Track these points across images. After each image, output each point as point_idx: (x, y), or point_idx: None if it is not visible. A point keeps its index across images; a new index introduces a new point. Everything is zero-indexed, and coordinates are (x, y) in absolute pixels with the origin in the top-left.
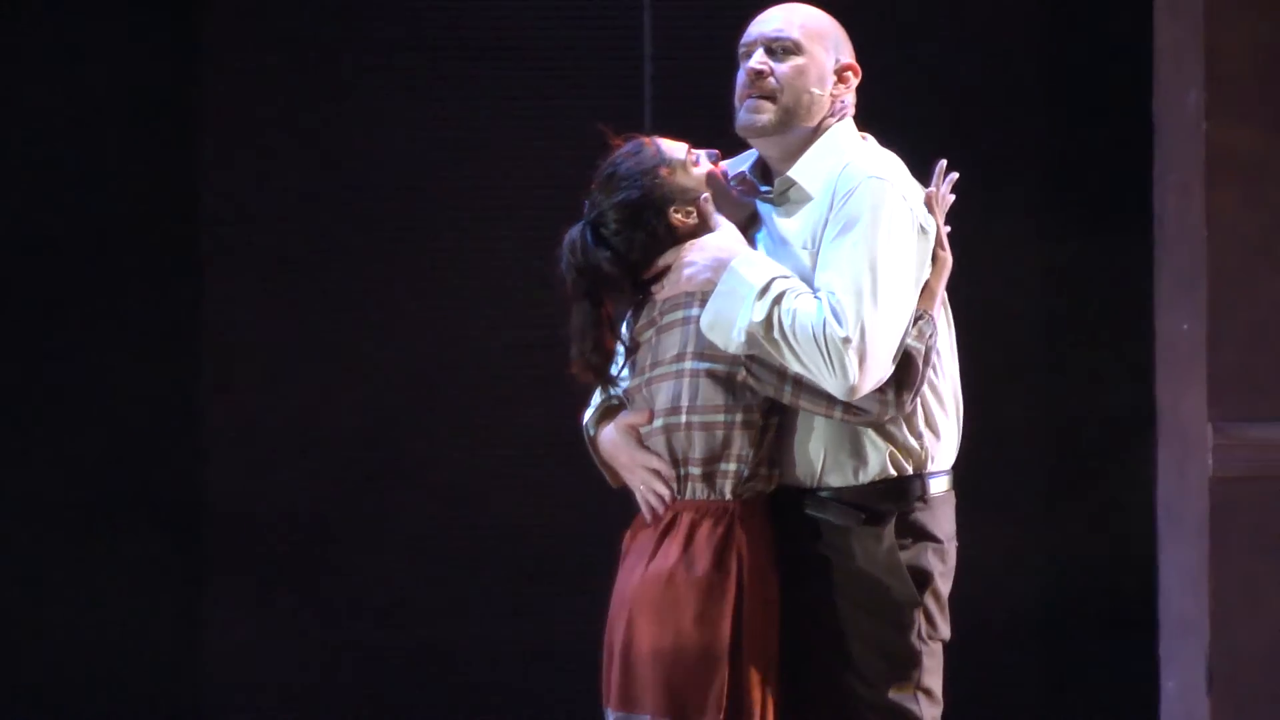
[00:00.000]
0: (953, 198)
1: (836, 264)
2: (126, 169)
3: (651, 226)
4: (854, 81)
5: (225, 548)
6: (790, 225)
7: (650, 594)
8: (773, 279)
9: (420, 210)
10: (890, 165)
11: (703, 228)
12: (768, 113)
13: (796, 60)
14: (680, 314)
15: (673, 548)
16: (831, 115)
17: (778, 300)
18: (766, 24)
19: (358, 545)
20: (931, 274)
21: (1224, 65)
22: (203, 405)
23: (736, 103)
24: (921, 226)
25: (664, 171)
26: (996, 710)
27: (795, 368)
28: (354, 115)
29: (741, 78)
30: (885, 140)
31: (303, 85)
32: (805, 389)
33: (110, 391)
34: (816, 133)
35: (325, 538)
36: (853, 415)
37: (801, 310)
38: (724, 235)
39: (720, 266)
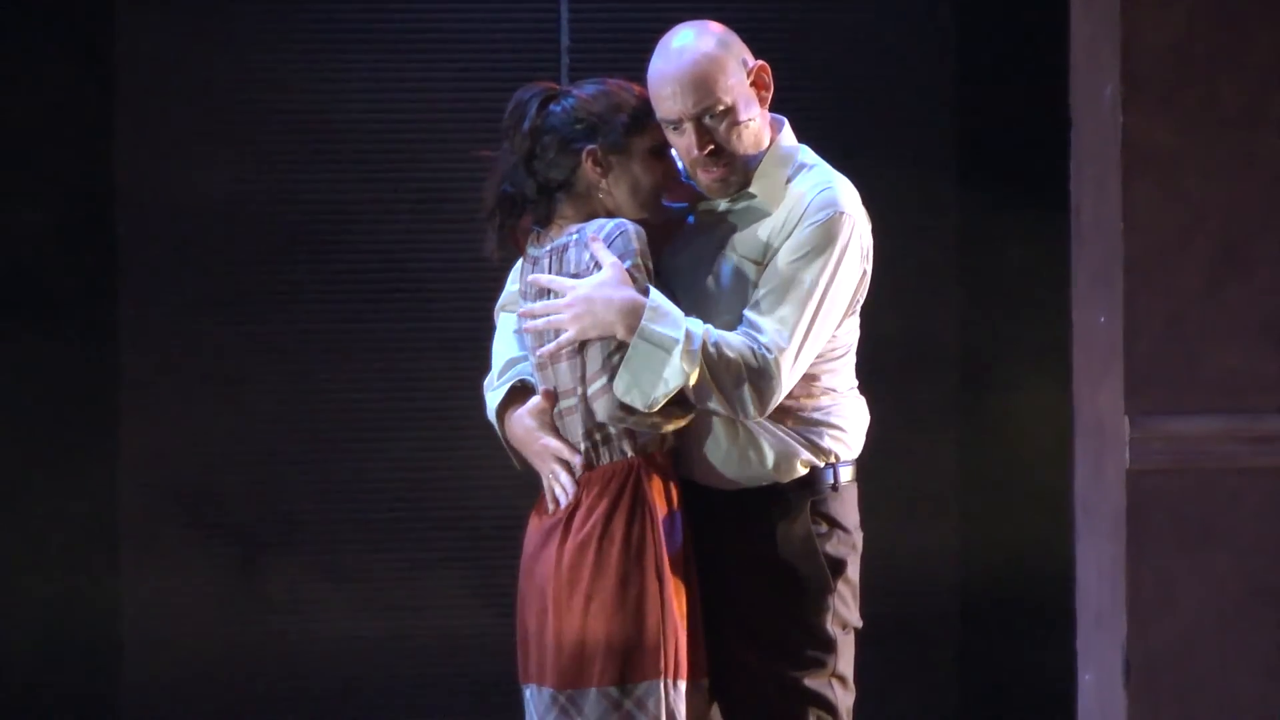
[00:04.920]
0: None
1: (788, 292)
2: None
3: (568, 139)
4: (768, 79)
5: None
6: (740, 235)
7: (571, 569)
8: (686, 326)
9: (341, 210)
10: (852, 196)
11: (601, 204)
12: (732, 174)
13: (729, 119)
14: None
15: (584, 520)
16: (772, 124)
17: (703, 344)
18: (681, 98)
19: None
20: None
21: (1140, 59)
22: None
23: (688, 166)
24: (863, 269)
25: (627, 121)
26: (913, 700)
27: (713, 398)
28: (268, 118)
29: (682, 147)
30: (798, 138)
31: (219, 87)
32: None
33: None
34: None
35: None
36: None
37: (726, 344)
38: (612, 291)
39: (617, 327)
